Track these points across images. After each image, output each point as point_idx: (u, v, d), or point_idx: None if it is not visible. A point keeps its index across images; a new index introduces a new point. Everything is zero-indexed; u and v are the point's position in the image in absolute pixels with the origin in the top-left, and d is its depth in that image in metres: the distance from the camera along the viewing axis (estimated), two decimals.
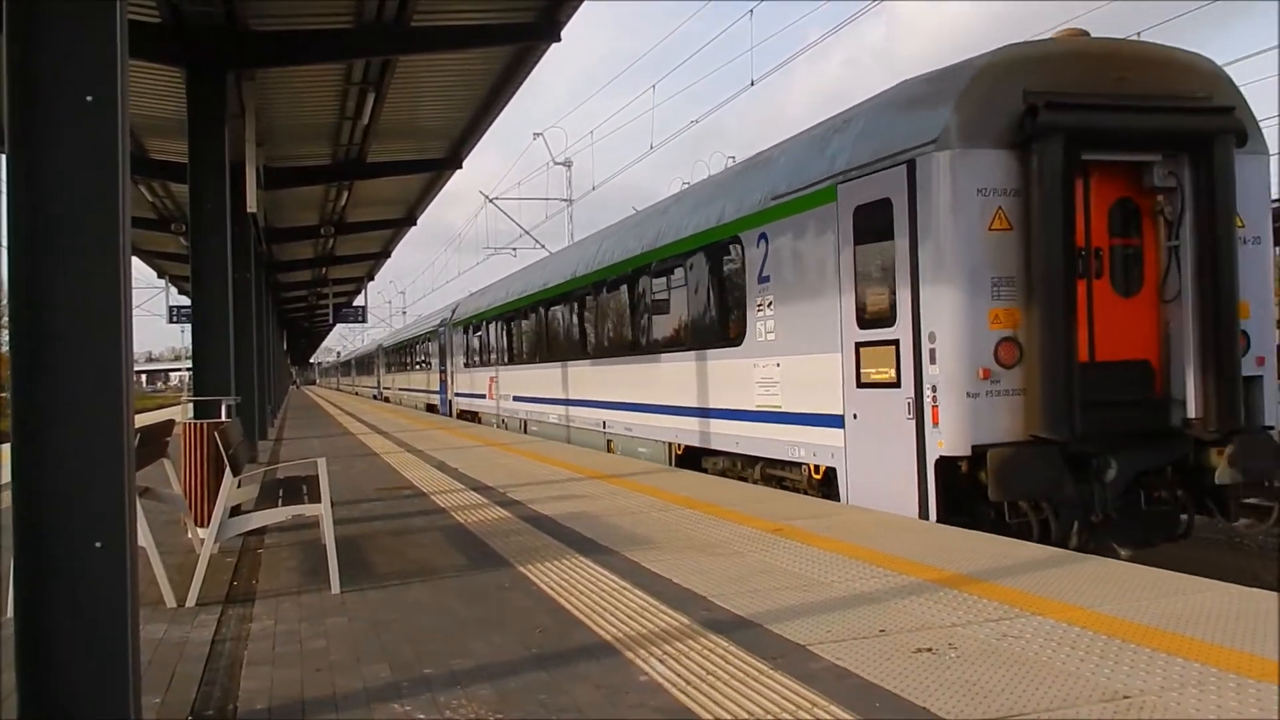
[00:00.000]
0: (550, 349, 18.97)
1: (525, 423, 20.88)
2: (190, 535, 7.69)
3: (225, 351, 11.37)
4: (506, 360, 22.84)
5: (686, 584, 5.96)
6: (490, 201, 38.31)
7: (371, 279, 37.64)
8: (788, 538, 7.27)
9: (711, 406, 11.86)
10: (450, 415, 29.71)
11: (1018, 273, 7.89)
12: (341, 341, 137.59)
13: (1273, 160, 8.96)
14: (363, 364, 73.67)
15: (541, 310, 19.40)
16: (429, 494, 10.71)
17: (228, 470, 6.49)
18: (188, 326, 53.07)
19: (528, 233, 38.95)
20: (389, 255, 31.14)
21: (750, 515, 8.33)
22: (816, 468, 9.81)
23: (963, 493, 8.02)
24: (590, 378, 16.40)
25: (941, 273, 7.99)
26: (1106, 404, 8.03)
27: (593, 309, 16.32)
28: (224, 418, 9.68)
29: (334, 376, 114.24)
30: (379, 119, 15.72)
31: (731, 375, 11.36)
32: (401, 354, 46.17)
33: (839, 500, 9.28)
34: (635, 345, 14.35)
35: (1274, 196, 10.26)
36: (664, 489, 10.25)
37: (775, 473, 10.75)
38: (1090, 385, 7.92)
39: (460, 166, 18.32)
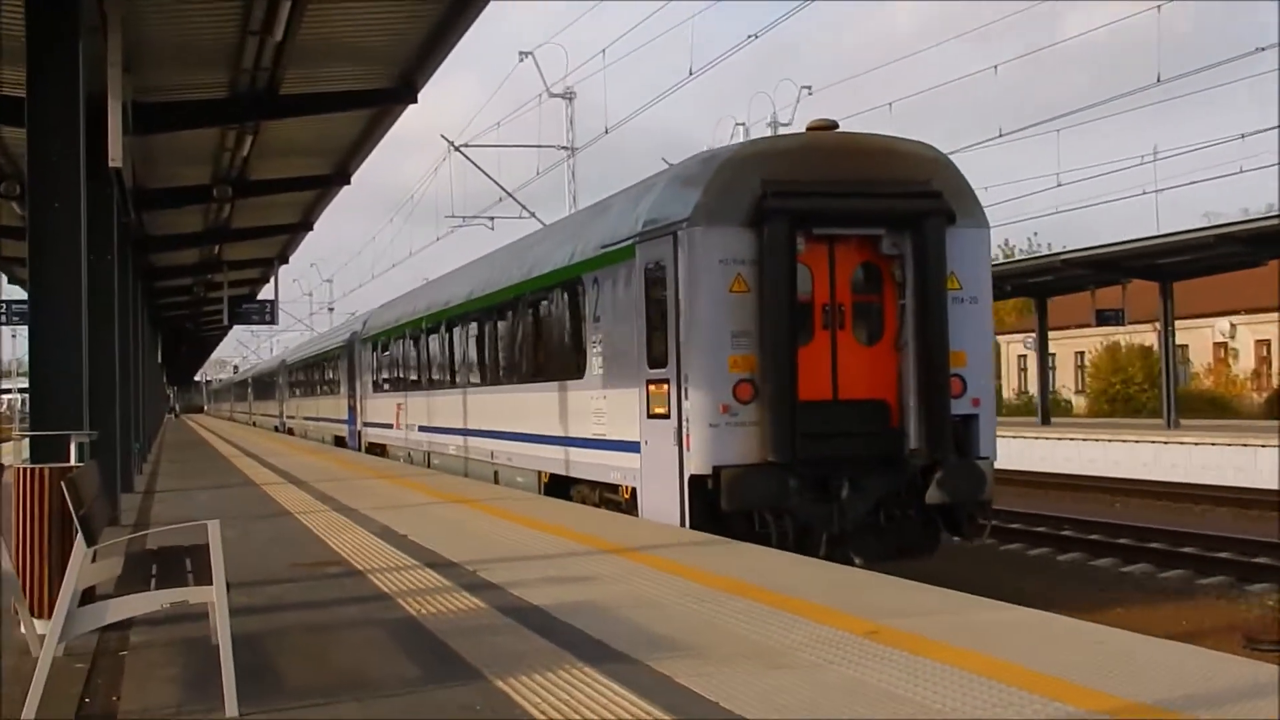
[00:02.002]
0: (449, 374, 25.00)
1: (429, 455, 26.76)
2: (24, 630, 7.68)
3: (75, 365, 11.36)
4: (410, 386, 28.95)
5: (741, 711, 5.90)
6: (456, 150, 38.45)
7: (285, 261, 37.72)
8: (886, 644, 7.22)
9: (566, 435, 17.39)
10: (359, 449, 35.47)
11: (754, 326, 13.40)
12: (240, 351, 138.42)
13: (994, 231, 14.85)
14: (264, 385, 74.81)
15: (442, 331, 25.49)
16: (366, 572, 10.72)
17: (79, 537, 6.48)
18: (22, 330, 53.45)
19: (510, 194, 39.00)
20: (310, 228, 31.18)
21: (831, 608, 8.32)
22: (627, 488, 15.19)
23: (716, 506, 13.29)
24: (481, 406, 22.38)
25: (691, 325, 13.61)
26: (847, 434, 13.65)
27: (482, 334, 22.53)
28: (73, 461, 9.68)
29: (227, 400, 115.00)
30: (298, 34, 15.75)
31: (577, 406, 16.84)
32: (306, 374, 50.50)
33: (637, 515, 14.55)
34: (513, 373, 20.52)
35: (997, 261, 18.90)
36: (705, 568, 10.24)
37: (609, 496, 16.00)
38: (833, 419, 13.67)
39: (415, 100, 18.33)
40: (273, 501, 18.14)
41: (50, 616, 6.49)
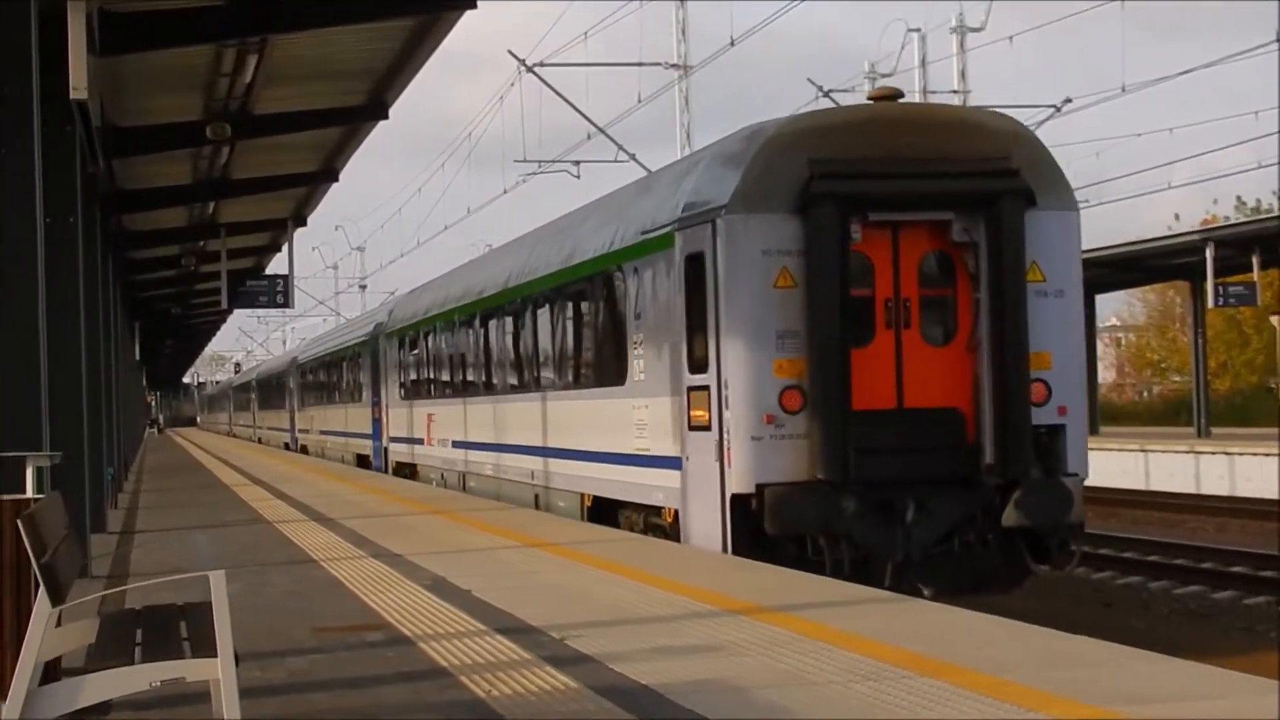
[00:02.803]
0: (484, 379, 28.02)
1: (463, 477, 30.13)
2: None
3: (30, 365, 11.57)
4: (442, 392, 32.21)
5: None
6: (529, 71, 38.54)
7: (302, 223, 38.01)
8: None
9: (608, 451, 19.72)
10: (385, 469, 38.76)
11: (802, 326, 15.41)
12: (243, 343, 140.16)
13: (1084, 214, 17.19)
14: (270, 390, 76.07)
15: (476, 326, 28.49)
16: (417, 639, 10.80)
17: (40, 593, 6.58)
18: None
19: (601, 130, 38.95)
20: (335, 178, 31.38)
21: (1045, 691, 8.24)
22: (670, 511, 17.51)
23: (763, 529, 15.41)
24: (520, 417, 24.90)
25: (731, 324, 15.71)
26: (913, 448, 15.59)
27: (520, 330, 25.30)
28: (30, 492, 9.87)
29: (225, 409, 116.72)
30: None
31: (619, 417, 19.16)
32: (320, 376, 53.82)
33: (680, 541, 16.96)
34: (552, 379, 23.32)
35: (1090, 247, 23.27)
36: (868, 634, 10.23)
37: (654, 520, 18.45)
38: (897, 430, 15.68)
39: (473, 5, 18.41)
40: (290, 544, 18.33)
41: (4, 698, 6.59)
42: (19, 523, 6.83)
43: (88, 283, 19.41)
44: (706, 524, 16.15)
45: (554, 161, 44.94)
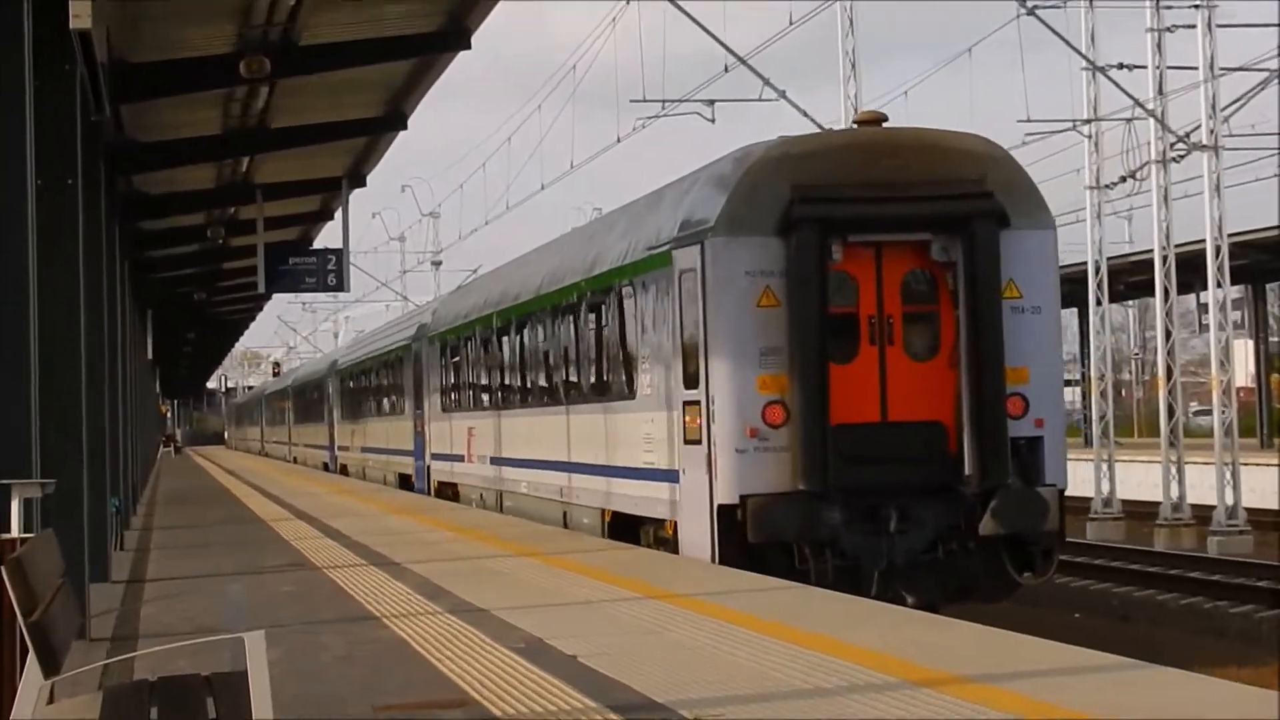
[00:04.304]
0: (519, 390, 32.74)
1: (500, 495, 34.78)
2: None
3: (17, 369, 11.69)
4: (480, 404, 36.72)
5: None
6: None
7: (360, 184, 38.17)
8: None
9: (623, 465, 24.32)
10: (428, 491, 43.00)
11: (785, 343, 19.73)
12: (284, 338, 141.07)
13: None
14: (307, 400, 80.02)
15: (512, 333, 33.33)
16: None
17: (29, 659, 6.65)
18: None
19: (742, 60, 38.91)
20: (403, 124, 31.54)
21: None
22: (670, 524, 22.02)
23: (748, 539, 19.75)
24: (549, 431, 29.89)
25: (716, 342, 20.30)
26: (897, 460, 19.99)
27: (547, 340, 30.18)
28: (16, 530, 9.98)
29: (254, 422, 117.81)
30: None
31: (629, 431, 23.87)
32: (360, 384, 57.76)
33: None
34: (574, 392, 28.05)
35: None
36: (1086, 708, 10.13)
37: (660, 534, 22.83)
38: (880, 442, 20.07)
39: None
40: (346, 596, 18.46)
41: None
42: (2, 570, 6.88)
43: (89, 262, 19.60)
44: (698, 534, 20.60)
45: (681, 100, 44.78)
